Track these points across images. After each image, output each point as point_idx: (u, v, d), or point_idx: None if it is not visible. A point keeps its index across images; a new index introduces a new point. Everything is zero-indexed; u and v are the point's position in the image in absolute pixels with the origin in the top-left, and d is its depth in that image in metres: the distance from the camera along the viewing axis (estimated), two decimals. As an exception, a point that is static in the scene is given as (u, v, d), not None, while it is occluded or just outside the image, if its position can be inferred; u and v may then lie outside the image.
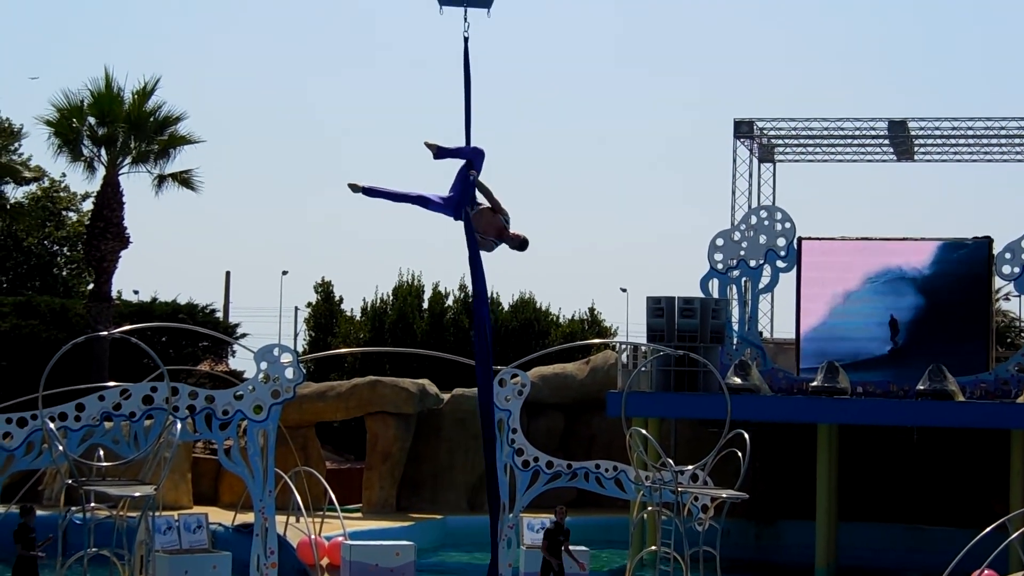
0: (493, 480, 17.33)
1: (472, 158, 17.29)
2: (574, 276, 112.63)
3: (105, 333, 27.54)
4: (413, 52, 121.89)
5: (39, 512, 33.35)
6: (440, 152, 17.33)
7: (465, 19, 17.04)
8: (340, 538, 27.28)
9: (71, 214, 61.07)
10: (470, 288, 47.84)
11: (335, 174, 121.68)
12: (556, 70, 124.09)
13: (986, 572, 24.28)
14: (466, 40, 17.11)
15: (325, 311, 57.37)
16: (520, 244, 17.18)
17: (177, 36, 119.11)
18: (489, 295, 55.64)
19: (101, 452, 22.85)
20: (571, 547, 25.17)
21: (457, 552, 34.65)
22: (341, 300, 57.81)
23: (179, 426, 22.19)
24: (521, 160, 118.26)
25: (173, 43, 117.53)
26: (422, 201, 17.18)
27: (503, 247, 17.31)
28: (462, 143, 17.40)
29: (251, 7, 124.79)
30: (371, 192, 17.24)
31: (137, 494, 21.22)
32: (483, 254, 17.23)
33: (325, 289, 57.76)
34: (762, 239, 38.15)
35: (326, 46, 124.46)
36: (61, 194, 60.81)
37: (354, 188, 17.17)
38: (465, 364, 28.74)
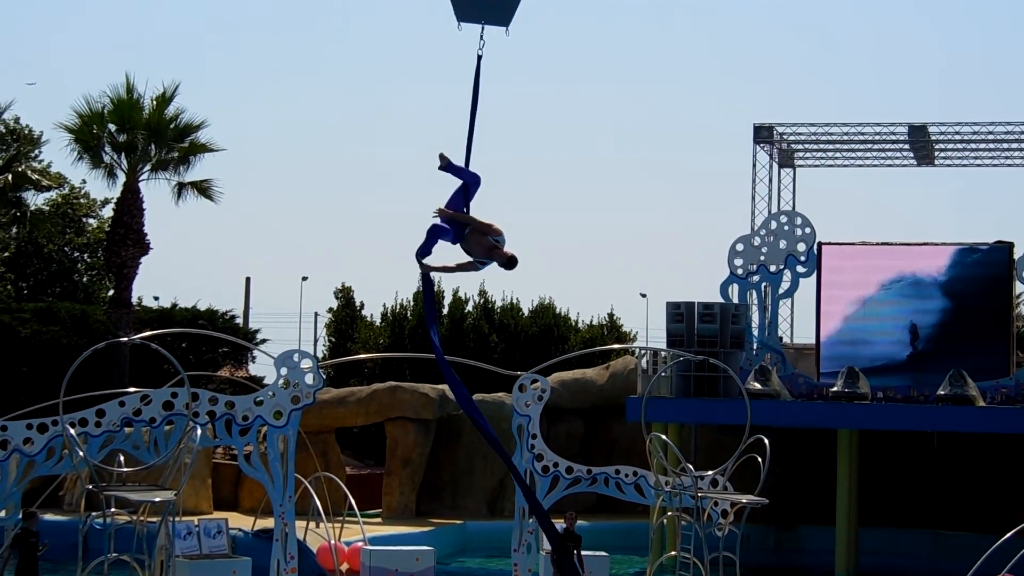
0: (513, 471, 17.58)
1: (471, 182, 17.43)
2: (594, 281, 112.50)
3: (125, 339, 27.61)
4: (433, 61, 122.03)
5: (60, 517, 33.71)
6: (448, 166, 17.44)
7: (482, 36, 17.08)
8: (360, 543, 27.28)
9: (91, 220, 61.21)
10: (492, 292, 47.13)
11: (355, 180, 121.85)
12: (575, 74, 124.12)
13: (1007, 577, 24.22)
14: (479, 58, 17.17)
15: (346, 317, 57.41)
16: (508, 262, 17.27)
17: (197, 43, 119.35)
18: (509, 301, 55.46)
19: (121, 457, 22.94)
20: (589, 552, 25.15)
21: (477, 557, 34.65)
22: (362, 306, 57.88)
23: (199, 432, 22.26)
24: (539, 166, 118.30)
25: (193, 50, 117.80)
26: (464, 195, 17.31)
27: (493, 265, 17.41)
28: (465, 156, 17.54)
29: (270, 15, 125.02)
30: (450, 168, 17.37)
31: (157, 499, 21.30)
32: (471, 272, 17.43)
33: (346, 295, 57.81)
34: (782, 244, 38.12)
35: (346, 54, 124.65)
36: (81, 200, 60.95)
37: (442, 159, 17.31)
38: (485, 370, 28.79)
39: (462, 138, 17.57)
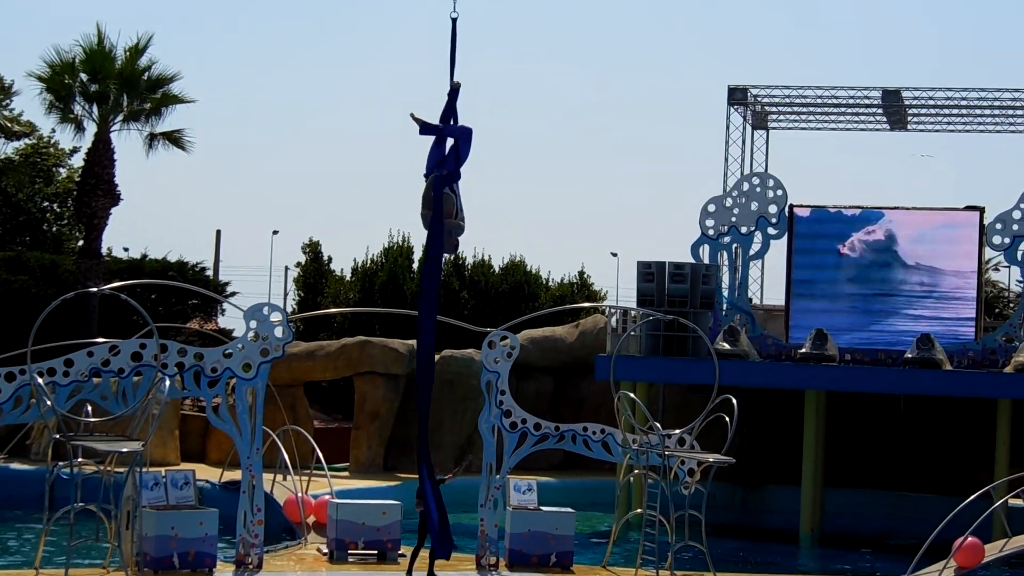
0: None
1: (458, 136, 17.41)
2: (565, 240, 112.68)
3: (95, 289, 27.51)
4: (408, 18, 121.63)
5: (27, 467, 33.67)
6: (425, 128, 17.42)
7: None
8: (327, 496, 27.31)
9: (61, 170, 60.92)
10: (462, 249, 47.05)
11: (326, 134, 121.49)
12: (548, 36, 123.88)
13: (969, 539, 24.42)
14: (454, 21, 17.15)
15: (314, 271, 57.35)
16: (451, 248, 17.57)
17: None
18: (480, 258, 55.41)
19: (89, 408, 22.88)
20: (555, 508, 25.24)
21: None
22: (330, 260, 57.78)
23: (167, 383, 22.22)
24: (513, 123, 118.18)
25: (166, 1, 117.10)
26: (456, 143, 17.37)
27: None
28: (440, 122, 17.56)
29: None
30: (426, 129, 17.36)
31: (125, 450, 21.26)
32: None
33: (313, 249, 57.72)
34: (754, 206, 38.18)
35: (319, 7, 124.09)
36: (50, 150, 60.64)
37: (417, 122, 17.32)
38: (455, 326, 28.79)
39: (437, 95, 17.62)
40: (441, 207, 17.94)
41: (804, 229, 38.63)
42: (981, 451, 35.03)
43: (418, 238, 54.74)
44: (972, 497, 24.55)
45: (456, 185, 17.68)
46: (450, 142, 17.80)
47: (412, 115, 17.35)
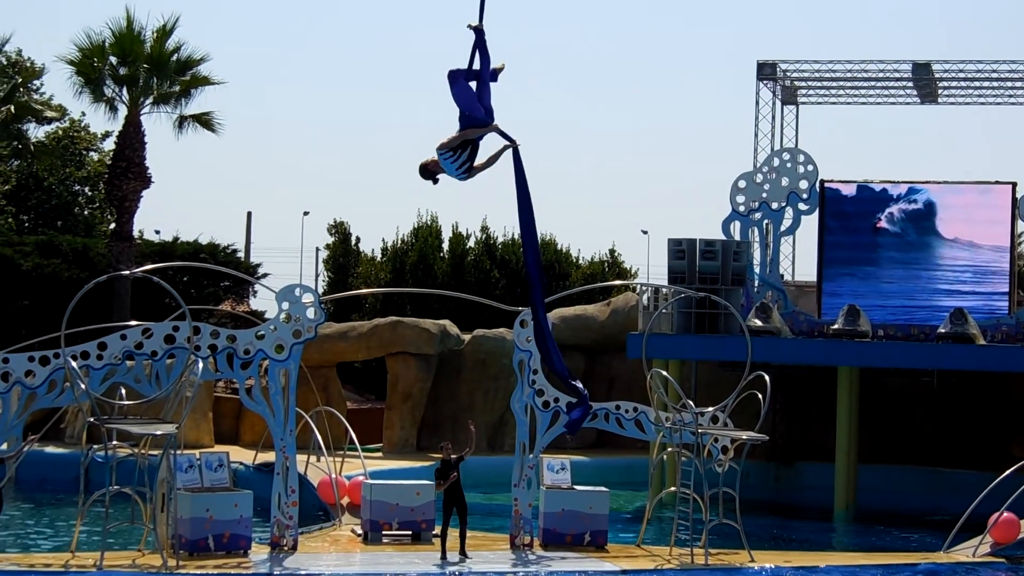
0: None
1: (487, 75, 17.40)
2: (595, 218, 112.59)
3: (127, 272, 27.55)
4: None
5: (61, 450, 33.82)
6: (480, 36, 17.28)
7: None
8: (360, 477, 27.34)
9: (92, 154, 61.12)
10: (494, 228, 46.72)
11: (358, 114, 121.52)
12: (578, 13, 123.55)
13: (1005, 514, 24.35)
14: None
15: (342, 252, 57.44)
16: (426, 171, 17.43)
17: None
18: (510, 237, 55.58)
19: (123, 391, 22.94)
20: (589, 487, 25.27)
21: (477, 492, 34.71)
22: (358, 241, 57.84)
23: (201, 365, 22.28)
24: (543, 103, 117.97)
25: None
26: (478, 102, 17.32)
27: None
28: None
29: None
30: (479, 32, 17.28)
31: (159, 432, 21.33)
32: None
33: (340, 230, 57.79)
34: (784, 181, 38.03)
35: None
36: (82, 134, 60.83)
37: (472, 27, 17.28)
38: (485, 305, 28.76)
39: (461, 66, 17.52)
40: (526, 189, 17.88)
41: (836, 205, 38.51)
42: (1016, 426, 34.90)
43: (445, 218, 54.79)
44: (1007, 472, 24.47)
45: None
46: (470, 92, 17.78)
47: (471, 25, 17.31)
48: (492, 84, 17.78)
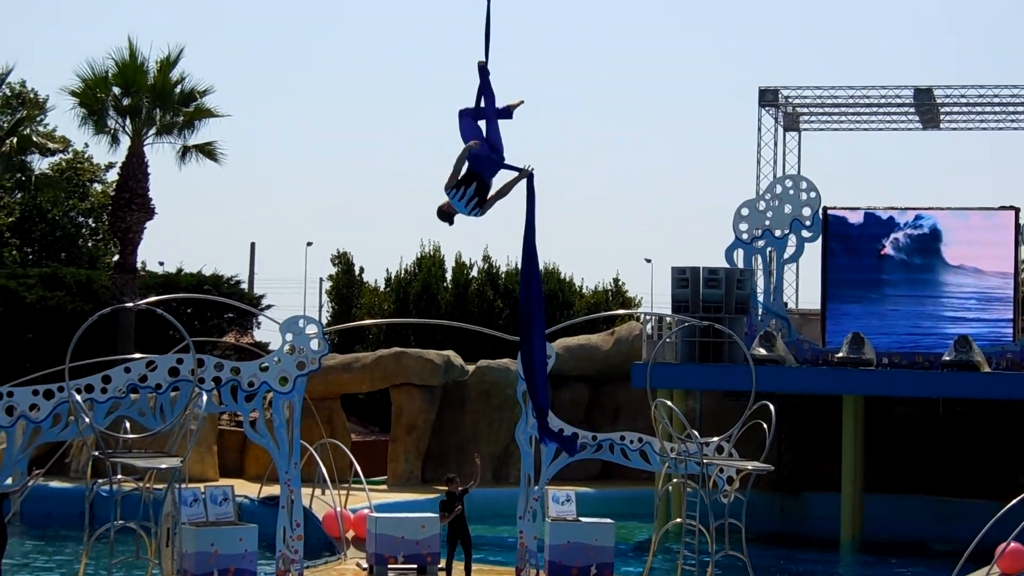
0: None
1: (502, 113, 17.36)
2: (598, 247, 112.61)
3: (131, 304, 27.54)
4: (438, 26, 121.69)
5: (66, 484, 33.73)
6: (484, 73, 17.29)
7: None
8: (366, 510, 27.30)
9: (96, 185, 61.17)
10: (496, 257, 46.56)
11: (361, 145, 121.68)
12: (579, 38, 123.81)
13: (1013, 544, 24.23)
14: (488, 4, 17.00)
15: (345, 282, 57.41)
16: (445, 214, 17.35)
17: (201, 7, 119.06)
18: (514, 266, 55.55)
19: (127, 424, 22.88)
20: (594, 519, 25.20)
21: (482, 525, 34.66)
22: (362, 271, 57.83)
23: (205, 398, 22.21)
24: (545, 130, 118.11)
25: (197, 14, 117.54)
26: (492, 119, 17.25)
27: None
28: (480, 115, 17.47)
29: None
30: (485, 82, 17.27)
31: (163, 466, 21.25)
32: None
33: (344, 260, 57.77)
34: (787, 209, 38.02)
35: (351, 18, 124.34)
36: (85, 165, 60.90)
37: (481, 66, 17.26)
38: (489, 335, 28.71)
39: (468, 100, 17.50)
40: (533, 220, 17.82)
41: (839, 231, 38.48)
42: (1021, 454, 34.79)
43: (448, 247, 54.77)
44: (1014, 501, 24.33)
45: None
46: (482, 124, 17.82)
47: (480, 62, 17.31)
48: (508, 120, 17.76)
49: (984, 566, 24.29)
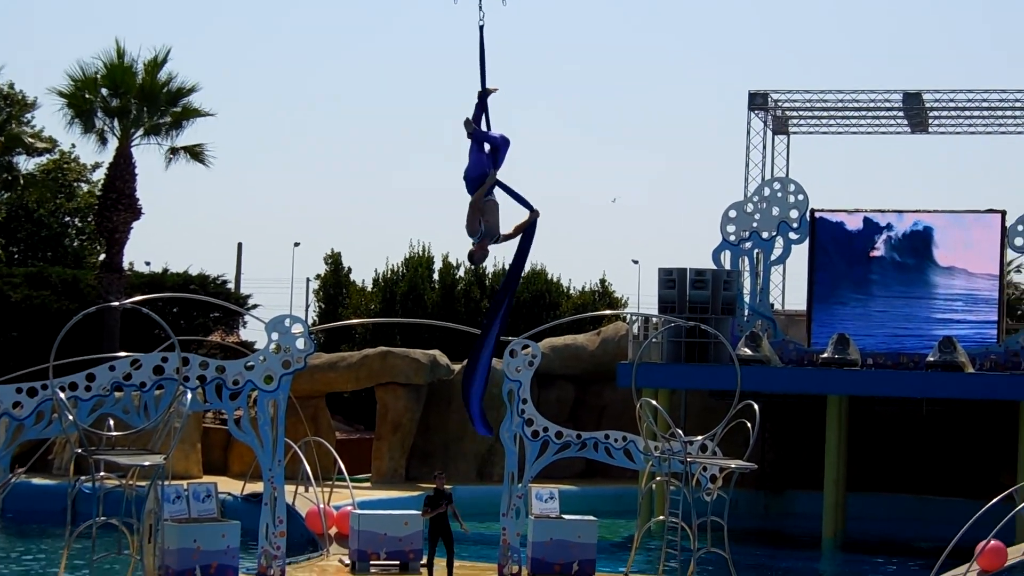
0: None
1: (500, 146, 17.47)
2: (586, 248, 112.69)
3: (116, 304, 27.57)
4: (429, 30, 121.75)
5: (49, 481, 33.73)
6: (476, 134, 17.44)
7: (480, 7, 17.01)
8: (349, 508, 27.34)
9: (82, 185, 61.11)
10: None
11: (348, 146, 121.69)
12: (569, 41, 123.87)
13: (992, 542, 24.32)
14: (481, 28, 17.12)
15: (334, 282, 57.41)
16: (478, 259, 17.62)
17: (188, 8, 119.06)
18: (500, 267, 55.27)
19: (111, 422, 22.90)
20: (578, 516, 25.26)
21: (466, 522, 34.66)
22: (349, 271, 57.83)
23: (189, 396, 22.25)
24: (533, 132, 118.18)
25: (185, 15, 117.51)
26: (493, 153, 17.44)
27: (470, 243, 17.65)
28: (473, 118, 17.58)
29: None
30: (476, 134, 17.42)
31: (147, 463, 21.28)
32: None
33: (334, 260, 57.78)
34: (775, 211, 38.13)
35: (338, 18, 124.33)
36: (72, 165, 60.82)
37: (468, 126, 17.39)
38: (476, 335, 28.73)
39: (455, 102, 17.68)
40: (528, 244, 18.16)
41: (827, 234, 38.59)
42: (1004, 454, 34.91)
43: (437, 248, 54.78)
44: (995, 500, 24.44)
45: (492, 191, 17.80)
46: (487, 148, 17.88)
47: (466, 121, 17.41)
48: (486, 106, 17.89)
49: (964, 563, 24.37)
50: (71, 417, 21.34)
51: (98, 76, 42.29)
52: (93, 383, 22.23)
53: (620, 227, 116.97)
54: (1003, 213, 37.85)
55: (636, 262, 79.44)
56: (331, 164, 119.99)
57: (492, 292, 53.43)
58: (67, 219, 60.37)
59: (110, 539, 22.73)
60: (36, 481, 33.57)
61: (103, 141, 43.12)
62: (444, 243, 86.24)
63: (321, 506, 27.70)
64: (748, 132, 46.57)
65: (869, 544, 33.58)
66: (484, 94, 17.69)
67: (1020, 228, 36.90)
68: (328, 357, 40.74)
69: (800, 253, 38.60)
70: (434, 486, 23.74)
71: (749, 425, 24.11)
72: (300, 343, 23.19)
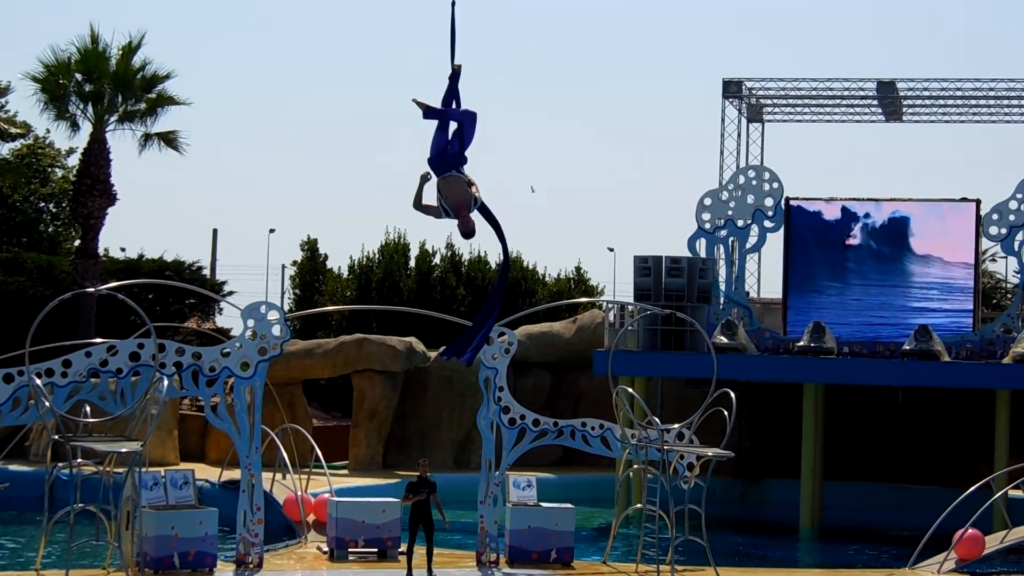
0: None
1: (463, 121, 17.21)
2: (561, 235, 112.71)
3: (92, 290, 27.51)
4: (400, 13, 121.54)
5: (26, 468, 33.62)
6: (429, 112, 17.22)
7: None
8: (326, 495, 27.30)
9: (57, 171, 60.86)
10: (459, 245, 46.62)
11: (322, 133, 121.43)
12: (542, 31, 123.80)
13: (970, 531, 24.44)
14: (453, 5, 17.01)
15: (310, 269, 57.32)
16: (467, 233, 17.23)
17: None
18: (476, 254, 55.37)
19: (88, 408, 22.85)
20: (555, 504, 25.26)
21: (444, 509, 34.70)
22: (326, 258, 57.73)
23: (166, 383, 22.19)
24: (509, 119, 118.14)
25: (160, 1, 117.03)
26: (461, 127, 17.17)
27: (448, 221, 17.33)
28: (441, 106, 17.35)
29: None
30: (429, 112, 17.17)
31: (124, 450, 21.22)
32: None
33: (311, 247, 57.67)
34: (750, 199, 38.19)
35: (313, 5, 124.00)
36: (46, 151, 60.56)
37: (420, 106, 17.14)
38: (452, 322, 28.72)
39: (433, 84, 17.53)
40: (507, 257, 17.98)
41: (802, 222, 38.65)
42: (980, 442, 35.04)
43: (414, 235, 54.67)
44: (972, 488, 24.60)
45: (462, 169, 17.48)
46: (453, 126, 17.64)
47: (415, 100, 17.19)
48: (457, 84, 17.72)
49: (942, 552, 24.48)
50: (48, 404, 21.26)
51: (72, 61, 42.10)
52: (69, 369, 22.14)
53: (595, 215, 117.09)
54: (978, 202, 37.97)
55: (612, 250, 79.62)
56: (306, 150, 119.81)
57: (469, 279, 53.43)
58: (42, 205, 60.13)
59: (88, 526, 22.70)
60: (13, 468, 33.39)
61: (76, 127, 42.97)
62: (420, 230, 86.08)
63: (299, 493, 27.66)
64: (723, 120, 46.63)
65: (846, 532, 33.65)
66: (455, 73, 17.51)
67: (995, 217, 37.04)
68: (304, 344, 40.69)
69: (775, 241, 38.71)
70: (417, 473, 23.69)
71: (726, 413, 24.13)
72: (276, 330, 23.11)
